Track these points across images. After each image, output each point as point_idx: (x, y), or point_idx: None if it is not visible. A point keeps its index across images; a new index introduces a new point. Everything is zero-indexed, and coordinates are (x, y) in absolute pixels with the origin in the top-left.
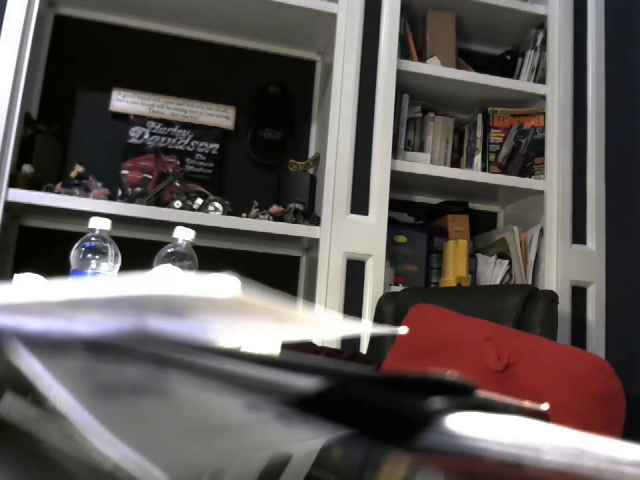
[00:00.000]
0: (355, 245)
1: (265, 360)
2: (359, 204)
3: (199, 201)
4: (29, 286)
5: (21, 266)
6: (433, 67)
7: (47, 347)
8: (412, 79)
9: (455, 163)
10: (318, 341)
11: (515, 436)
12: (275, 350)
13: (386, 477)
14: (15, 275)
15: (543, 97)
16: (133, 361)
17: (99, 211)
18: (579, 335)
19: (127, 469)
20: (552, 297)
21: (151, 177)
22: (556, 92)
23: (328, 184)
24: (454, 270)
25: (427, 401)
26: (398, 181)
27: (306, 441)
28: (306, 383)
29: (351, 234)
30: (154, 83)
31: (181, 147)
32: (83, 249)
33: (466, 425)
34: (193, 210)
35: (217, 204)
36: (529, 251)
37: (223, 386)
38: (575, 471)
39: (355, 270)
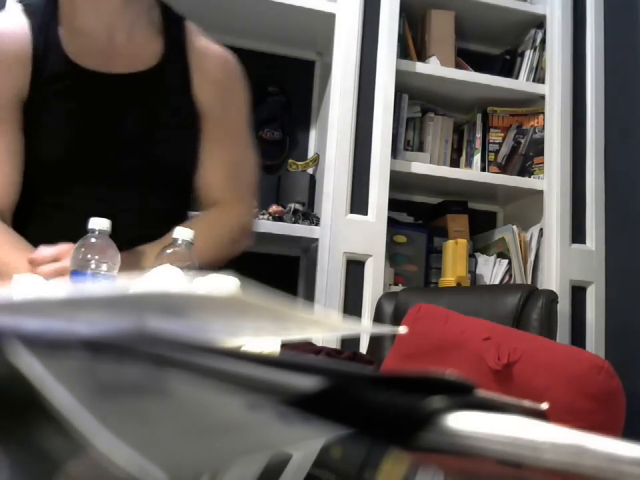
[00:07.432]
0: (355, 245)
1: (265, 360)
2: (359, 204)
3: None
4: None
5: None
6: (432, 67)
7: (47, 346)
8: (411, 78)
9: (455, 163)
10: (318, 340)
11: (515, 435)
12: (275, 350)
13: (386, 476)
14: (15, 275)
15: (542, 97)
16: (132, 361)
17: None
18: (578, 334)
19: (127, 468)
20: (551, 297)
21: None
22: (555, 91)
23: (327, 184)
24: (454, 270)
25: (426, 400)
26: (397, 180)
27: (306, 440)
28: (306, 383)
29: (351, 234)
30: None
31: None
32: (83, 249)
33: (466, 424)
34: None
35: None
36: (529, 251)
37: (223, 386)
38: (575, 469)
39: (354, 270)
